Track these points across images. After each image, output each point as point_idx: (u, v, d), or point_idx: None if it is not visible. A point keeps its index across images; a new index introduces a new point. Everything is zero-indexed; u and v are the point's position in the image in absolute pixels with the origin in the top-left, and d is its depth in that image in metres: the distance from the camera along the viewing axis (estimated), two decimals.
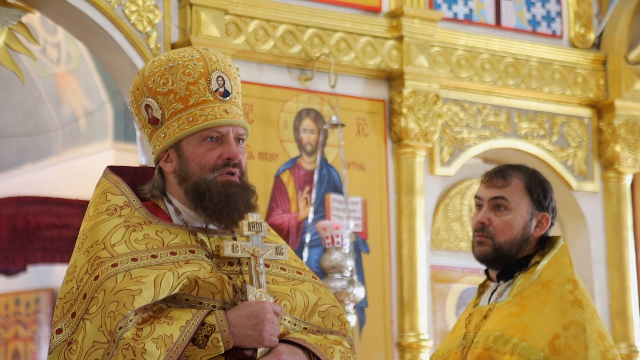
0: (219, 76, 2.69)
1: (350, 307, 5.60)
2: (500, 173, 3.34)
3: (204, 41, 5.48)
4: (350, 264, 5.60)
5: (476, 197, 3.36)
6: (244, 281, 2.64)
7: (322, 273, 5.63)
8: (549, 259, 3.28)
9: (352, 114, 6.05)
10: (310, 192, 5.83)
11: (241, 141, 2.73)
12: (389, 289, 6.02)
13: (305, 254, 5.70)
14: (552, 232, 6.88)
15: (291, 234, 5.76)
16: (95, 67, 7.96)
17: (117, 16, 5.34)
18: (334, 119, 5.83)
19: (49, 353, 2.57)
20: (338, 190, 5.88)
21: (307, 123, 5.92)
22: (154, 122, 2.70)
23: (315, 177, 5.84)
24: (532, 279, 3.25)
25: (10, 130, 8.69)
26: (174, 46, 5.50)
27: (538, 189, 3.32)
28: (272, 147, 5.80)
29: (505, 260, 3.28)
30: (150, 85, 2.68)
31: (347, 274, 5.59)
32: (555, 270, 3.26)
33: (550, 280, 3.24)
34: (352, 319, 5.63)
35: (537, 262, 3.28)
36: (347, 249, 5.61)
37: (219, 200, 2.64)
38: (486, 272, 3.39)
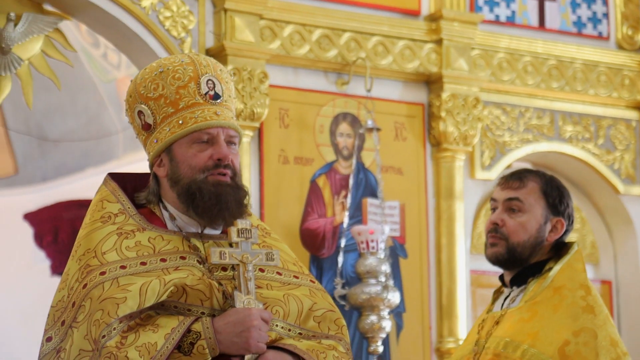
0: (208, 80, 2.69)
1: (385, 313, 5.57)
2: (517, 175, 3.30)
3: (238, 46, 5.50)
4: (385, 269, 5.57)
5: (491, 199, 3.31)
6: (235, 287, 2.63)
7: (358, 278, 5.61)
8: (562, 265, 3.21)
9: (390, 117, 6.02)
10: (346, 196, 5.81)
11: (233, 144, 2.72)
12: (428, 294, 5.97)
13: (340, 258, 5.69)
14: (599, 236, 6.72)
15: (327, 238, 5.74)
16: None
17: (151, 22, 5.39)
18: (370, 123, 5.81)
19: None
20: (374, 194, 5.85)
21: (344, 127, 5.90)
22: (147, 127, 2.71)
23: (351, 181, 5.82)
24: (544, 284, 3.18)
25: (74, 134, 8.81)
26: (208, 52, 5.52)
27: (554, 193, 3.26)
28: (308, 152, 5.79)
29: (518, 262, 3.22)
30: (142, 92, 2.69)
31: (382, 279, 5.56)
32: (568, 275, 3.19)
33: (562, 285, 3.17)
34: (388, 325, 5.59)
35: (551, 268, 3.22)
36: (382, 253, 5.58)
37: (209, 198, 2.62)
38: (501, 278, 3.34)
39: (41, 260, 8.77)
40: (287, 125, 5.74)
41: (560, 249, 3.27)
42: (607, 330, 3.10)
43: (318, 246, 5.69)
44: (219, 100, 2.69)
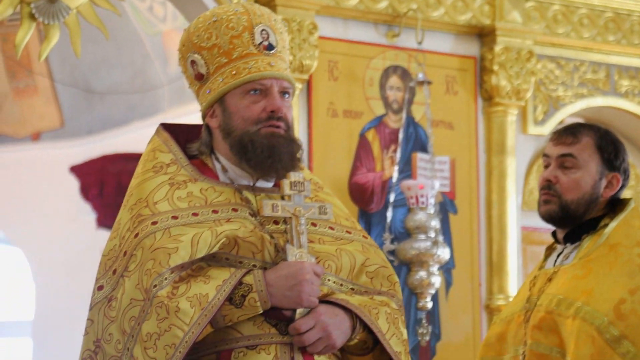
0: (262, 29, 2.65)
1: (434, 269, 5.51)
2: (570, 130, 3.21)
3: None
4: (434, 224, 5.50)
5: (544, 155, 3.23)
6: (287, 241, 2.59)
7: (407, 233, 5.55)
8: (618, 222, 3.13)
9: (441, 71, 5.92)
10: (395, 150, 5.73)
11: (286, 95, 2.68)
12: (477, 250, 5.90)
13: (389, 213, 5.62)
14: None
15: (376, 193, 5.68)
16: None
17: None
18: (421, 76, 5.71)
19: (90, 309, 2.58)
20: (425, 149, 5.77)
21: (394, 80, 5.81)
22: (200, 77, 2.67)
23: (401, 135, 5.74)
24: (599, 241, 3.10)
25: (120, 87, 8.80)
26: (257, 1, 5.44)
27: (609, 147, 3.17)
28: (357, 105, 5.71)
29: (572, 220, 3.14)
30: (195, 41, 2.66)
31: (432, 234, 5.49)
32: (624, 233, 3.11)
33: (618, 243, 3.09)
34: (437, 281, 5.53)
35: (606, 225, 3.14)
36: (431, 209, 5.51)
37: (262, 151, 2.59)
38: (553, 234, 3.26)
39: (87, 213, 8.82)
40: (336, 77, 5.66)
41: (615, 205, 3.19)
42: None
43: (367, 201, 5.63)
44: (272, 51, 2.66)
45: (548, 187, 3.15)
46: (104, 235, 8.94)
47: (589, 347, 2.92)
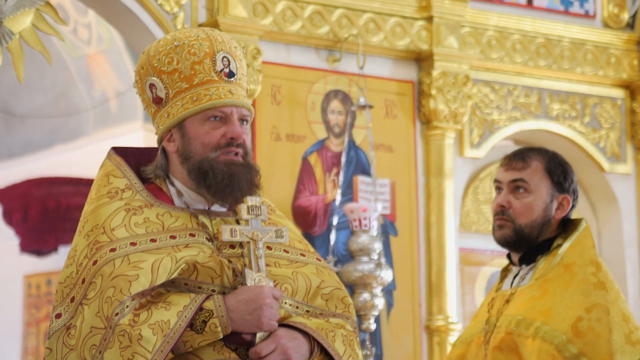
0: (224, 57, 2.67)
1: (377, 290, 5.56)
2: (520, 155, 3.29)
3: (231, 22, 5.45)
4: (377, 246, 5.55)
5: (495, 180, 3.32)
6: (245, 265, 2.61)
7: (350, 256, 5.60)
8: (571, 242, 3.22)
9: (381, 95, 5.99)
10: (337, 174, 5.78)
11: (245, 122, 2.71)
12: (418, 271, 5.97)
13: (332, 236, 5.67)
14: (583, 214, 6.76)
15: (318, 216, 5.72)
16: (125, 48, 7.95)
17: None
18: (362, 100, 5.77)
19: (48, 338, 2.55)
20: (366, 172, 5.83)
21: (335, 104, 5.86)
22: (158, 101, 2.68)
23: (343, 159, 5.79)
24: (554, 262, 3.19)
25: (42, 111, 8.70)
26: (201, 25, 5.46)
27: (558, 170, 3.27)
28: (299, 129, 5.76)
29: (527, 243, 3.23)
30: (155, 64, 2.66)
31: (375, 256, 5.55)
32: (577, 252, 3.20)
33: (572, 262, 3.18)
34: (380, 302, 5.58)
35: (560, 245, 3.22)
36: (374, 231, 5.57)
37: (222, 178, 2.61)
38: (508, 256, 3.34)
39: (9, 238, 8.67)
40: (279, 102, 5.69)
41: (567, 225, 3.28)
42: (618, 305, 3.11)
43: (310, 224, 5.67)
44: (233, 79, 2.68)
45: (502, 212, 3.24)
46: (27, 260, 8.84)
47: None
